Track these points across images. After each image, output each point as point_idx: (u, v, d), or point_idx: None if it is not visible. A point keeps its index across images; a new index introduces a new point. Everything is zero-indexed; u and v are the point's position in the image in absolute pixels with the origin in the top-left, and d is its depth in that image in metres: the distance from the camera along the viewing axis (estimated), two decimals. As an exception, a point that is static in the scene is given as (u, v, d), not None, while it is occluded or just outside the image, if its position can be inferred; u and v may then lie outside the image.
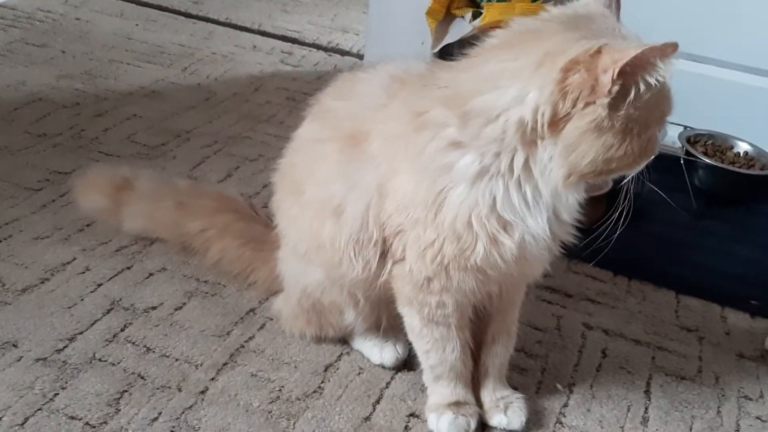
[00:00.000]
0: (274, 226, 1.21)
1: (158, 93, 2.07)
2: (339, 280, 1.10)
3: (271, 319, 1.27)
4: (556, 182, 0.88)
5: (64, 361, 1.14)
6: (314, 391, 1.15)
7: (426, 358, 1.09)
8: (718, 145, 1.86)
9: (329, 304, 1.16)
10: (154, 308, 1.28)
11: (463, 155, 0.89)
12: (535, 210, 0.92)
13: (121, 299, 1.29)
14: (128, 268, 1.36)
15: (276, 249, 1.22)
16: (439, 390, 1.10)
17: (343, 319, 1.17)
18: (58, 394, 1.09)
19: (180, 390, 1.12)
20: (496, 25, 1.84)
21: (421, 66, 1.03)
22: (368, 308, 1.15)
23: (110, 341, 1.20)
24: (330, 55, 2.50)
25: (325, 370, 1.19)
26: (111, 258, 1.38)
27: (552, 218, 0.94)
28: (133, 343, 1.20)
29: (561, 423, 1.14)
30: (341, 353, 1.23)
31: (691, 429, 1.16)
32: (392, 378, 1.19)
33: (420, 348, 1.09)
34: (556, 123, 0.84)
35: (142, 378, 1.13)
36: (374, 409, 1.13)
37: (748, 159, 1.83)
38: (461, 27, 1.94)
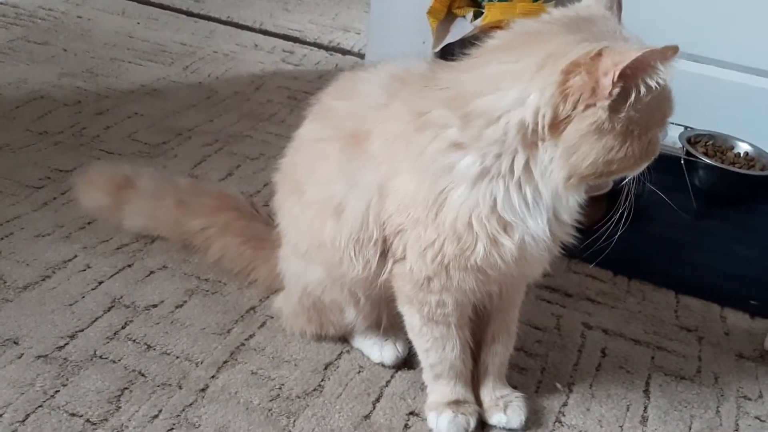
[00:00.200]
0: (274, 224, 1.21)
1: (159, 91, 2.07)
2: (339, 279, 1.10)
3: (272, 318, 1.28)
4: (556, 184, 0.89)
5: (65, 359, 1.15)
6: (314, 389, 1.15)
7: (426, 357, 1.09)
8: (718, 145, 1.86)
9: (330, 302, 1.16)
10: (154, 306, 1.28)
11: (463, 156, 0.89)
12: (535, 211, 0.92)
13: (121, 297, 1.29)
14: (129, 266, 1.37)
15: (276, 247, 1.23)
16: (439, 388, 1.10)
17: (343, 318, 1.18)
18: (58, 391, 1.09)
19: (180, 387, 1.12)
20: (497, 25, 1.86)
21: (422, 65, 1.03)
22: (369, 307, 1.15)
23: (111, 339, 1.20)
24: (331, 54, 2.51)
25: (325, 369, 1.19)
26: (112, 256, 1.39)
27: (552, 219, 0.94)
28: (134, 340, 1.20)
29: (560, 422, 1.15)
30: (341, 351, 1.23)
31: (690, 429, 1.16)
32: (392, 376, 1.19)
33: (420, 346, 1.09)
34: (557, 125, 0.84)
35: (143, 375, 1.14)
36: (374, 408, 1.13)
37: (749, 159, 1.83)
38: (462, 26, 1.94)
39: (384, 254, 1.02)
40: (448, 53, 1.97)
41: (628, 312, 1.40)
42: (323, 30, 2.71)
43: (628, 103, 0.83)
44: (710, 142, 1.86)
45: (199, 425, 1.06)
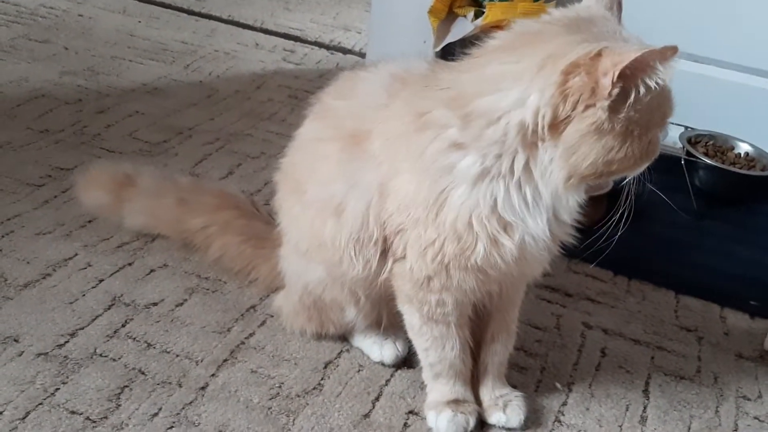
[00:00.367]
0: (275, 223, 1.21)
1: (160, 90, 2.08)
2: (340, 278, 1.10)
3: (272, 316, 1.28)
4: (556, 184, 0.89)
5: (65, 356, 1.15)
6: (314, 388, 1.15)
7: (425, 356, 1.09)
8: (719, 145, 1.86)
9: (330, 301, 1.16)
10: (155, 304, 1.28)
11: (464, 156, 0.90)
12: (535, 211, 0.92)
13: (122, 295, 1.29)
14: (129, 264, 1.37)
15: (277, 246, 1.23)
16: (439, 387, 1.10)
17: (343, 317, 1.18)
18: (59, 388, 1.09)
19: (180, 386, 1.12)
20: (498, 25, 1.86)
21: (422, 65, 1.03)
22: (369, 306, 1.15)
23: (111, 337, 1.20)
24: (332, 54, 2.51)
25: (325, 367, 1.20)
26: (112, 254, 1.39)
27: (552, 219, 0.94)
28: (134, 338, 1.20)
29: (560, 421, 1.15)
30: (341, 350, 1.23)
31: (689, 429, 1.16)
32: (392, 375, 1.19)
33: (419, 346, 1.09)
34: (557, 125, 0.84)
35: (143, 373, 1.14)
36: (374, 406, 1.13)
37: (749, 160, 1.83)
38: (463, 26, 1.94)
39: (384, 253, 1.03)
40: (449, 53, 1.97)
41: (627, 312, 1.41)
42: (324, 29, 2.71)
43: (627, 104, 0.83)
44: (711, 143, 1.86)
45: (199, 423, 1.07)
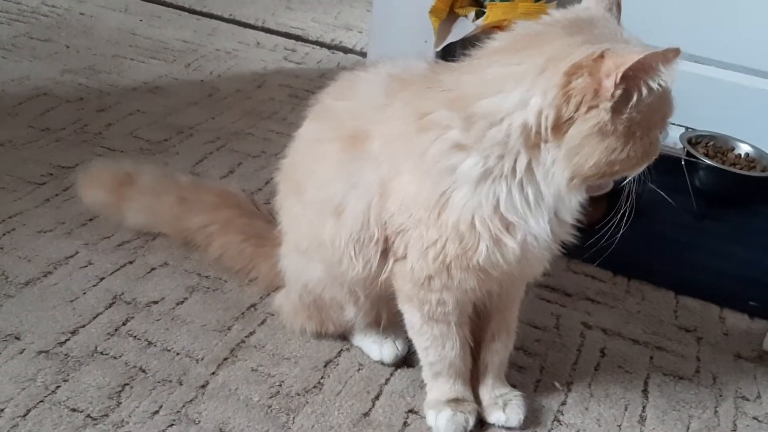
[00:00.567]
0: (275, 222, 1.22)
1: (161, 89, 2.08)
2: (339, 278, 1.10)
3: (272, 315, 1.28)
4: (559, 184, 0.89)
5: (66, 354, 1.15)
6: (314, 387, 1.16)
7: (425, 355, 1.10)
8: (719, 146, 1.86)
9: (329, 300, 1.16)
10: (155, 302, 1.28)
11: (466, 157, 0.90)
12: (537, 211, 0.92)
13: (122, 293, 1.29)
14: (130, 262, 1.37)
15: (277, 245, 1.23)
16: (438, 386, 1.11)
17: (343, 315, 1.18)
18: (59, 386, 1.09)
19: (181, 384, 1.13)
20: (498, 25, 1.86)
21: (421, 65, 1.03)
22: (368, 305, 1.15)
23: (112, 335, 1.20)
24: (333, 53, 2.51)
25: (325, 366, 1.20)
26: (113, 252, 1.39)
27: (553, 219, 0.95)
28: (135, 336, 1.21)
29: (559, 421, 1.15)
30: (341, 349, 1.24)
31: (688, 429, 1.17)
32: (391, 374, 1.20)
33: (419, 345, 1.10)
34: (560, 127, 0.84)
35: (143, 371, 1.14)
36: (373, 405, 1.14)
37: (749, 161, 1.83)
38: (464, 26, 1.94)
39: (385, 253, 1.03)
40: (450, 52, 1.97)
41: (627, 312, 1.41)
42: (325, 28, 2.71)
43: (630, 105, 0.83)
44: (711, 143, 1.86)
45: (199, 421, 1.07)
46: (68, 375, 1.12)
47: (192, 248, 1.39)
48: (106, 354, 1.16)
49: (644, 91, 0.82)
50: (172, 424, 1.06)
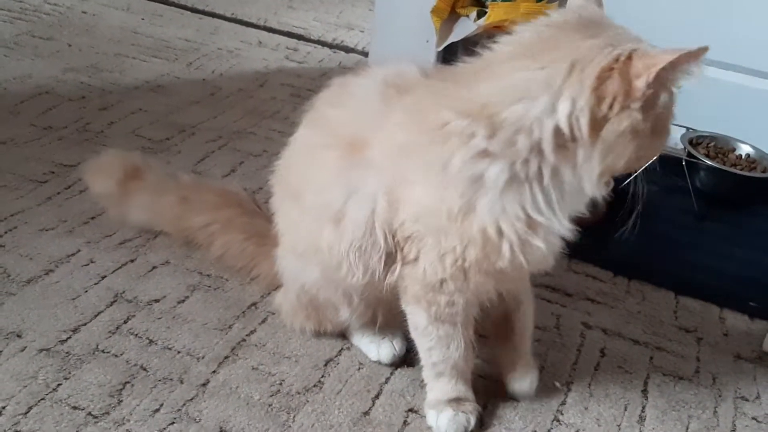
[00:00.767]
0: (275, 222, 1.22)
1: (163, 87, 2.08)
2: (335, 282, 1.10)
3: (273, 314, 1.28)
4: (588, 182, 0.90)
5: (67, 352, 1.15)
6: (314, 386, 1.16)
7: (428, 356, 1.09)
8: (720, 147, 1.87)
9: (325, 301, 1.17)
10: (156, 301, 1.29)
11: (491, 164, 0.89)
12: (560, 211, 0.93)
13: (124, 291, 1.30)
14: (132, 260, 1.38)
15: (277, 244, 1.23)
16: (440, 386, 1.11)
17: (338, 316, 1.18)
18: (61, 384, 1.10)
19: (181, 382, 1.13)
20: (500, 25, 1.86)
21: (413, 70, 1.03)
22: (363, 307, 1.15)
23: (113, 333, 1.21)
24: (335, 52, 2.51)
25: (326, 365, 1.20)
26: (115, 251, 1.39)
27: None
28: (136, 335, 1.21)
29: (558, 421, 1.15)
30: (341, 348, 1.24)
31: (687, 429, 1.17)
32: (392, 374, 1.20)
33: (423, 345, 1.09)
34: (593, 128, 0.85)
35: (144, 370, 1.14)
36: (373, 404, 1.14)
37: (750, 161, 1.83)
38: (466, 26, 1.94)
39: (389, 258, 1.02)
40: (451, 52, 1.98)
41: (627, 312, 1.41)
42: (327, 27, 2.72)
43: (659, 103, 0.85)
44: (712, 144, 1.87)
45: (200, 420, 1.07)
46: (69, 373, 1.12)
47: (193, 247, 1.39)
48: (108, 352, 1.17)
49: (673, 90, 0.85)
50: (173, 422, 1.06)
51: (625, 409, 1.19)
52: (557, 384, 1.22)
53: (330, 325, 1.21)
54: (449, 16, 1.97)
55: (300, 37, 2.60)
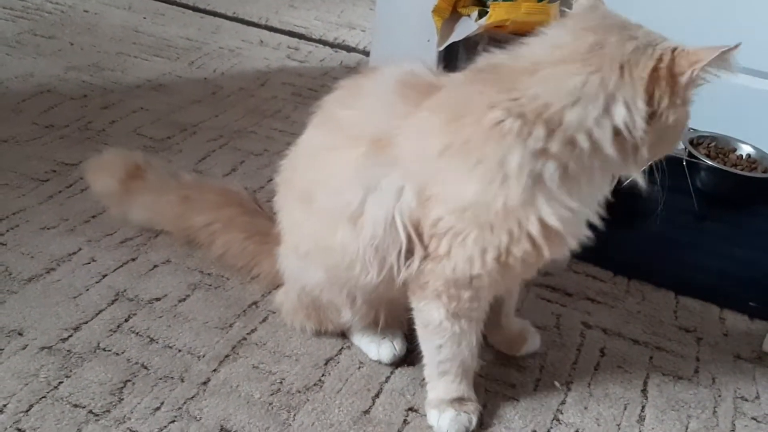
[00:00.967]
0: (277, 221, 1.22)
1: (165, 86, 2.09)
2: (341, 282, 1.10)
3: (274, 313, 1.29)
4: (635, 173, 0.96)
5: (68, 350, 1.16)
6: (315, 384, 1.16)
7: (436, 353, 1.09)
8: (720, 147, 1.87)
9: (327, 302, 1.17)
10: (158, 299, 1.29)
11: (549, 161, 0.92)
12: (595, 201, 0.99)
13: (125, 290, 1.30)
14: (133, 259, 1.38)
15: (279, 243, 1.23)
16: (443, 385, 1.11)
17: (340, 317, 1.18)
18: (62, 382, 1.10)
19: (182, 380, 1.13)
20: (501, 24, 1.86)
21: (423, 69, 1.04)
22: (365, 308, 1.15)
23: (114, 331, 1.21)
24: (336, 51, 2.52)
25: (326, 364, 1.21)
26: (116, 249, 1.40)
27: None
28: (137, 333, 1.21)
29: (558, 420, 1.16)
30: (342, 347, 1.24)
31: (687, 428, 1.17)
32: (392, 373, 1.20)
33: (432, 342, 1.08)
34: (647, 126, 0.90)
35: (146, 368, 1.15)
36: (374, 403, 1.14)
37: (751, 162, 1.83)
38: (467, 25, 1.94)
39: (408, 254, 1.02)
40: (452, 52, 1.98)
41: (627, 312, 1.41)
42: (329, 27, 2.72)
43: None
44: (713, 144, 1.87)
45: (201, 418, 1.08)
46: (70, 371, 1.12)
47: (194, 246, 1.40)
48: (109, 350, 1.17)
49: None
50: (174, 421, 1.07)
51: (625, 409, 1.19)
52: (557, 383, 1.22)
53: (331, 325, 1.22)
54: (450, 15, 1.97)
55: (301, 37, 2.60)
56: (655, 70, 0.88)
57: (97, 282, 1.31)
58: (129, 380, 1.12)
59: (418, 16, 2.01)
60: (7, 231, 1.40)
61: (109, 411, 1.07)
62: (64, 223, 1.45)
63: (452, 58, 1.98)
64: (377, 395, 1.16)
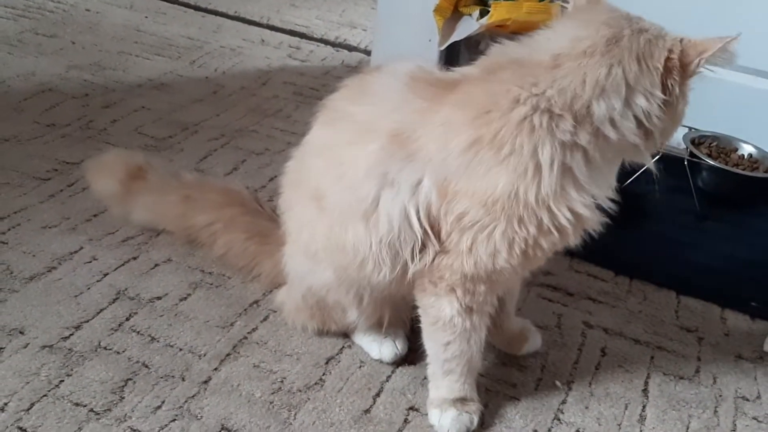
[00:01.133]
0: (279, 220, 1.22)
1: (166, 85, 2.09)
2: (352, 281, 1.10)
3: (275, 312, 1.29)
4: (648, 159, 1.01)
5: (69, 349, 1.16)
6: (315, 383, 1.16)
7: (443, 351, 1.08)
8: (722, 147, 1.86)
9: (333, 302, 1.17)
10: (159, 298, 1.29)
11: (578, 152, 0.95)
12: (611, 185, 1.03)
13: (126, 289, 1.30)
14: (134, 258, 1.38)
15: (281, 244, 1.23)
16: (446, 385, 1.10)
17: (345, 318, 1.18)
18: (63, 380, 1.10)
19: (183, 379, 1.13)
20: (503, 24, 1.86)
21: (433, 67, 1.05)
22: (371, 308, 1.15)
23: (115, 330, 1.21)
24: (337, 51, 2.52)
25: (327, 363, 1.21)
26: (117, 248, 1.40)
27: None
28: (138, 332, 1.21)
29: (559, 419, 1.16)
30: (343, 346, 1.24)
31: (687, 428, 1.17)
32: (393, 372, 1.20)
33: (440, 339, 1.07)
34: (666, 112, 0.95)
35: (147, 367, 1.15)
36: (374, 402, 1.14)
37: (752, 161, 1.83)
38: (468, 25, 1.94)
39: (423, 250, 1.02)
40: (453, 51, 1.98)
41: (628, 311, 1.41)
42: (330, 26, 2.72)
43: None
44: (714, 144, 1.86)
45: (201, 417, 1.08)
46: (72, 369, 1.12)
47: (196, 245, 1.40)
48: (110, 349, 1.17)
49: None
50: (175, 419, 1.07)
51: (626, 409, 1.19)
52: (558, 383, 1.22)
53: (335, 325, 1.22)
54: (452, 15, 1.97)
55: (303, 36, 2.60)
56: (668, 60, 0.93)
57: (98, 281, 1.31)
58: (130, 379, 1.12)
59: (419, 16, 2.01)
60: (9, 230, 1.40)
61: (110, 410, 1.07)
62: (65, 221, 1.45)
63: (453, 57, 1.98)
64: (378, 394, 1.16)
